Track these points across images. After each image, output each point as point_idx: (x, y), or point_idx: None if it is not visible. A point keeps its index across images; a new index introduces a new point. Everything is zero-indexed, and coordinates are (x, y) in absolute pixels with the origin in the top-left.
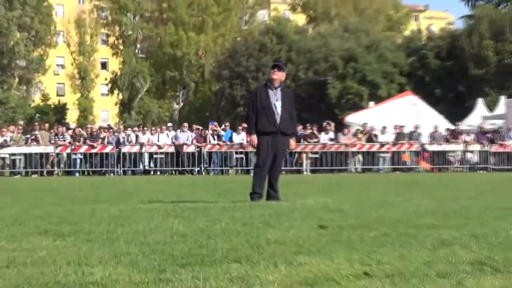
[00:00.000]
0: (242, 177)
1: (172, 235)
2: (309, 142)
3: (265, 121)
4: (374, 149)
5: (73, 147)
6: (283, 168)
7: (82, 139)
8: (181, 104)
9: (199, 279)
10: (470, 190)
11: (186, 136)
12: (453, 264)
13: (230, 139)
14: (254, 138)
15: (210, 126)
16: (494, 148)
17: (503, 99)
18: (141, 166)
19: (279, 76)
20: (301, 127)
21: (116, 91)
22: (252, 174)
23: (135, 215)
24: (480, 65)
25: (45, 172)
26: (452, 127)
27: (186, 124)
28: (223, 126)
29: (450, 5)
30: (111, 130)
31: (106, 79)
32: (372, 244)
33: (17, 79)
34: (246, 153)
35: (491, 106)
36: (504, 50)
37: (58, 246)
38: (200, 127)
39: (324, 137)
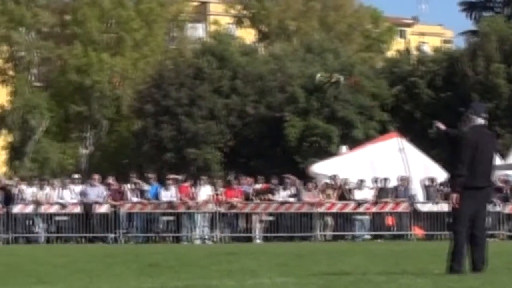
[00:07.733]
0: (171, 246)
1: None
2: (262, 200)
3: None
4: (348, 209)
5: None
6: (223, 235)
7: None
8: (91, 148)
9: None
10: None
11: (97, 192)
12: None
13: (156, 196)
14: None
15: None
16: (510, 209)
17: None
18: (39, 231)
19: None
20: (251, 180)
21: (4, 131)
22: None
23: None
24: (488, 96)
25: None
26: None
27: (96, 176)
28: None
29: (447, 17)
30: None
31: None
32: None
33: None
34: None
35: (502, 151)
36: None
37: None
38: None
39: (281, 194)
